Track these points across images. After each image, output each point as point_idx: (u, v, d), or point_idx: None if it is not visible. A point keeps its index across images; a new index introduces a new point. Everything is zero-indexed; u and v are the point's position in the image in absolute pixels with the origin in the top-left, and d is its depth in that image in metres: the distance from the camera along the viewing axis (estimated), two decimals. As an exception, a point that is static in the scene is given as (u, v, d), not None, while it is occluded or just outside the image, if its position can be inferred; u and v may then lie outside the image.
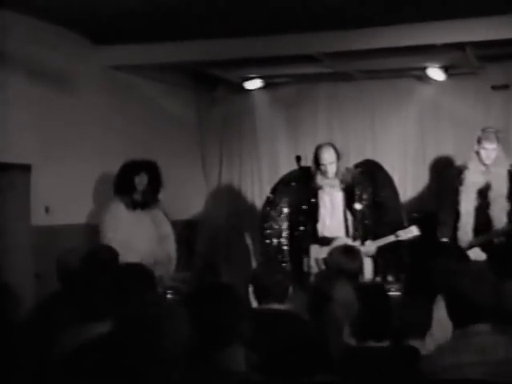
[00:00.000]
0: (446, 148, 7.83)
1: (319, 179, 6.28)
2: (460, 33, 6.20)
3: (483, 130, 6.26)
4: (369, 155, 7.96)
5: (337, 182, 6.28)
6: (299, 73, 7.81)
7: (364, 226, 6.32)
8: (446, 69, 7.44)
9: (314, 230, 6.30)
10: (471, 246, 6.20)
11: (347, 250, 4.87)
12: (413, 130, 8.10)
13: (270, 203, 7.55)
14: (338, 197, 6.31)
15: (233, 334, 2.71)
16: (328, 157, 6.20)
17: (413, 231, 6.20)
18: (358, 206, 6.35)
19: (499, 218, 6.16)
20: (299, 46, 6.63)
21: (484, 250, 6.15)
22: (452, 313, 3.16)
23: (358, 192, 6.40)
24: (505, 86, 7.67)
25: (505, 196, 6.17)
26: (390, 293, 5.75)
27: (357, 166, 6.88)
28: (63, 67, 6.49)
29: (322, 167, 6.21)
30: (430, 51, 6.69)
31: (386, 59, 7.09)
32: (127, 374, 2.42)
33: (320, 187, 6.29)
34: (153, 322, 2.45)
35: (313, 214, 6.32)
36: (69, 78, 6.55)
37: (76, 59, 6.67)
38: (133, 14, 5.99)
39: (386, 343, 3.50)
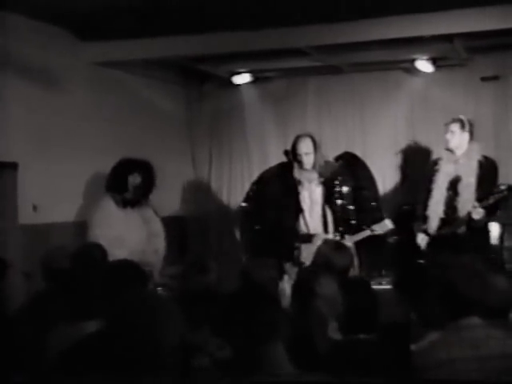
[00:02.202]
0: (436, 140, 7.82)
1: (297, 173, 6.20)
2: (448, 24, 6.18)
3: (452, 118, 6.34)
4: (358, 148, 7.96)
5: (315, 176, 6.20)
6: (288, 67, 7.79)
7: (344, 222, 6.22)
8: (434, 61, 7.43)
9: (294, 227, 6.20)
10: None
11: (338, 246, 4.86)
12: (402, 122, 8.10)
13: (249, 199, 7.42)
14: (317, 191, 6.23)
15: (274, 332, 2.72)
16: (304, 147, 6.12)
17: (387, 225, 6.17)
18: (337, 201, 6.24)
19: (465, 208, 6.16)
20: (288, 39, 6.60)
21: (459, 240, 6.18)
22: (444, 306, 3.14)
23: (337, 186, 6.27)
24: (494, 78, 7.66)
25: (473, 187, 6.18)
26: (378, 286, 5.79)
27: (337, 158, 6.81)
28: (50, 64, 6.44)
29: (298, 157, 6.13)
30: (418, 43, 6.69)
31: (374, 52, 7.07)
32: (121, 370, 2.41)
33: (298, 182, 6.20)
34: (148, 317, 2.44)
35: (292, 210, 6.21)
36: (56, 75, 6.51)
37: (63, 56, 6.62)
38: (120, 10, 5.96)
39: (373, 336, 3.49)
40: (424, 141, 7.95)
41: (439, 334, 3.15)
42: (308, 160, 6.14)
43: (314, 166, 6.18)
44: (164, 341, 2.42)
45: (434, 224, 6.31)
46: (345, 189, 6.32)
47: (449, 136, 6.29)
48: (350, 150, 7.57)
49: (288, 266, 5.97)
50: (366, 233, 6.16)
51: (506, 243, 6.98)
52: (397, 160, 8.07)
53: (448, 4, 5.97)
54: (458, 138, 6.27)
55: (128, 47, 6.84)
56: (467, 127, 6.28)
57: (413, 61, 7.50)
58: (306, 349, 3.02)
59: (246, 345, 2.69)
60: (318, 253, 4.85)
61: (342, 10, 6.10)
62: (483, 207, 5.97)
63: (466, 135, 6.28)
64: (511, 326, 3.42)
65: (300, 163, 6.15)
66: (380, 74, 8.07)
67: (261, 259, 5.03)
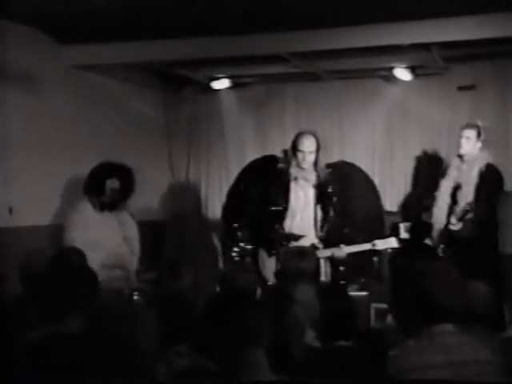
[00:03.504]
0: (413, 147, 7.88)
1: (294, 170, 6.11)
2: (426, 33, 6.22)
3: (467, 123, 6.35)
4: (336, 155, 7.98)
5: (313, 177, 6.11)
6: (267, 73, 7.80)
7: (336, 229, 6.14)
8: (412, 69, 7.47)
9: (282, 226, 6.09)
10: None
11: (301, 252, 4.81)
12: (380, 129, 8.13)
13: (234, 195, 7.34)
14: (311, 193, 6.14)
15: (255, 337, 2.71)
16: (309, 144, 6.04)
17: (391, 242, 6.04)
18: (330, 207, 6.14)
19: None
20: (267, 45, 6.61)
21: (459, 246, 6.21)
22: (417, 312, 3.16)
23: (330, 192, 6.17)
24: (470, 87, 7.72)
25: (471, 196, 6.21)
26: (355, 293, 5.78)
27: (328, 166, 6.81)
28: (28, 67, 6.40)
29: (300, 155, 6.03)
30: (396, 52, 6.72)
31: (353, 59, 7.11)
32: (93, 373, 2.41)
33: (294, 178, 6.11)
34: (120, 321, 2.44)
35: (282, 206, 6.11)
36: (34, 78, 6.47)
37: (41, 59, 6.59)
38: (99, 13, 5.94)
39: (351, 343, 3.50)
40: (401, 149, 7.99)
41: (413, 341, 3.16)
42: (310, 158, 6.06)
43: (313, 166, 6.11)
44: (135, 346, 2.42)
45: (441, 222, 6.33)
46: (338, 196, 6.22)
47: (463, 141, 6.27)
48: (327, 156, 7.59)
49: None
50: (367, 246, 6.01)
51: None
52: (375, 166, 8.10)
53: (426, 13, 6.01)
54: (472, 145, 6.28)
55: (107, 51, 6.82)
56: (482, 135, 6.29)
57: (391, 69, 7.54)
58: (283, 356, 3.01)
59: (225, 351, 2.67)
60: (283, 257, 4.83)
61: (322, 17, 6.13)
62: (457, 219, 6.00)
63: (479, 144, 6.30)
64: (484, 333, 3.45)
65: (302, 161, 6.05)
66: (358, 81, 8.10)
67: (241, 263, 5.04)
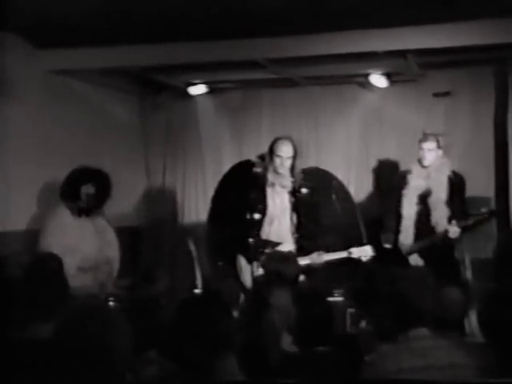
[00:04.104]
0: (389, 153, 7.92)
1: (272, 176, 6.11)
2: (401, 40, 6.26)
3: (424, 133, 6.39)
4: (313, 161, 8.00)
5: (289, 183, 6.11)
6: (244, 78, 7.82)
7: (310, 236, 6.14)
8: (388, 76, 7.53)
9: (259, 233, 6.08)
10: (411, 252, 6.29)
11: (284, 256, 4.84)
12: (356, 135, 8.16)
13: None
14: (287, 199, 6.13)
15: (226, 343, 2.70)
16: (287, 150, 6.05)
17: (367, 251, 6.02)
18: (304, 213, 6.15)
19: (439, 224, 6.25)
20: (243, 51, 6.62)
21: (423, 255, 6.25)
22: (393, 317, 3.18)
23: (304, 198, 6.18)
24: (446, 93, 7.78)
25: (444, 202, 6.27)
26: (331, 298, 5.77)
27: (302, 172, 6.81)
28: (4, 71, 6.36)
29: (278, 160, 6.04)
30: (372, 58, 6.75)
31: (329, 65, 7.13)
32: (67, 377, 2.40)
33: (271, 184, 6.11)
34: (92, 326, 2.44)
35: (260, 212, 6.10)
36: (10, 83, 6.43)
37: (17, 63, 6.54)
38: (76, 18, 5.92)
39: (328, 348, 3.51)
40: (377, 155, 8.04)
41: (389, 346, 3.18)
42: (287, 164, 6.06)
43: (290, 172, 6.11)
44: (106, 352, 2.42)
45: (407, 237, 6.35)
46: (311, 203, 6.23)
47: (426, 154, 6.29)
48: (303, 161, 7.59)
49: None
50: (342, 254, 6.00)
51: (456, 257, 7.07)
52: (351, 172, 8.14)
53: (402, 20, 6.05)
54: (435, 155, 6.32)
55: (84, 56, 6.79)
56: (441, 142, 6.33)
57: (367, 75, 7.58)
58: (259, 360, 3.02)
59: (196, 356, 2.66)
60: (266, 262, 4.84)
61: (298, 23, 6.15)
62: (461, 227, 6.03)
63: (441, 152, 6.35)
64: (459, 337, 3.49)
65: (279, 166, 6.05)
66: (335, 87, 8.13)
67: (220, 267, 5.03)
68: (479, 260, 6.59)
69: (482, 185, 7.45)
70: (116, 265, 6.44)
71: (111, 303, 5.40)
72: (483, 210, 6.15)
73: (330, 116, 8.22)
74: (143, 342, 3.12)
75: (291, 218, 6.14)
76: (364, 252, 6.03)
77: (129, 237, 7.80)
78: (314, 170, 7.22)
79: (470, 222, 6.05)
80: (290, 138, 6.22)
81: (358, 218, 7.40)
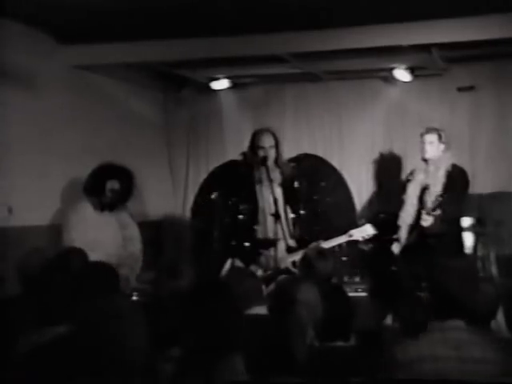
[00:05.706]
0: (412, 148, 7.87)
1: (257, 172, 5.95)
2: (426, 34, 6.23)
3: (426, 127, 6.38)
4: (335, 155, 7.99)
5: (277, 175, 5.96)
6: (266, 73, 7.81)
7: (309, 226, 6.06)
8: (411, 70, 7.49)
9: (253, 231, 5.97)
10: (406, 246, 6.30)
11: (322, 253, 4.84)
12: (379, 130, 8.14)
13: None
14: (278, 192, 5.93)
15: (232, 343, 2.68)
16: (268, 140, 5.92)
17: (367, 230, 5.98)
18: (299, 204, 6.03)
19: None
20: (267, 46, 6.62)
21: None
22: (433, 306, 3.19)
23: (297, 188, 6.06)
24: (470, 88, 7.74)
25: (437, 195, 6.21)
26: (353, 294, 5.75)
27: (291, 160, 6.64)
28: (28, 67, 6.40)
29: (261, 151, 5.89)
30: (396, 52, 6.73)
31: (352, 60, 7.12)
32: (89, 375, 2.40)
33: (258, 180, 5.97)
34: (114, 323, 2.44)
35: (252, 211, 5.97)
36: (33, 78, 6.47)
37: (41, 58, 6.58)
38: (99, 13, 5.94)
39: (351, 343, 3.50)
40: (400, 150, 8.00)
41: (423, 335, 3.17)
42: (271, 154, 5.92)
43: (276, 163, 5.98)
44: (129, 347, 2.42)
45: (403, 233, 6.36)
46: (307, 191, 6.13)
47: (427, 147, 6.30)
48: (327, 157, 7.57)
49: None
50: (342, 239, 5.94)
51: (479, 253, 7.03)
52: (373, 169, 8.12)
53: (426, 14, 6.02)
54: (436, 149, 6.30)
55: (108, 51, 6.81)
56: (443, 137, 6.32)
57: (391, 70, 7.55)
58: (285, 356, 3.00)
59: (203, 353, 2.63)
60: (304, 259, 4.83)
61: (322, 17, 6.13)
62: (429, 214, 5.98)
63: (442, 146, 6.33)
64: (492, 333, 3.47)
65: (264, 159, 5.89)
66: (358, 82, 8.12)
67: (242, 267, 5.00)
68: (503, 256, 6.56)
69: (506, 180, 7.41)
70: (139, 260, 6.46)
71: (135, 298, 5.42)
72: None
73: (352, 110, 8.21)
74: (166, 339, 3.13)
75: (285, 211, 5.95)
76: (364, 232, 5.98)
77: (152, 232, 7.82)
78: (303, 156, 7.11)
79: (437, 212, 5.95)
80: (269, 129, 6.10)
81: (353, 204, 7.33)
